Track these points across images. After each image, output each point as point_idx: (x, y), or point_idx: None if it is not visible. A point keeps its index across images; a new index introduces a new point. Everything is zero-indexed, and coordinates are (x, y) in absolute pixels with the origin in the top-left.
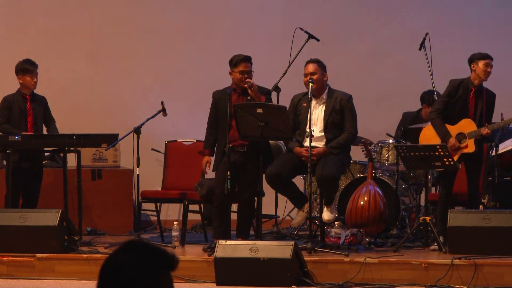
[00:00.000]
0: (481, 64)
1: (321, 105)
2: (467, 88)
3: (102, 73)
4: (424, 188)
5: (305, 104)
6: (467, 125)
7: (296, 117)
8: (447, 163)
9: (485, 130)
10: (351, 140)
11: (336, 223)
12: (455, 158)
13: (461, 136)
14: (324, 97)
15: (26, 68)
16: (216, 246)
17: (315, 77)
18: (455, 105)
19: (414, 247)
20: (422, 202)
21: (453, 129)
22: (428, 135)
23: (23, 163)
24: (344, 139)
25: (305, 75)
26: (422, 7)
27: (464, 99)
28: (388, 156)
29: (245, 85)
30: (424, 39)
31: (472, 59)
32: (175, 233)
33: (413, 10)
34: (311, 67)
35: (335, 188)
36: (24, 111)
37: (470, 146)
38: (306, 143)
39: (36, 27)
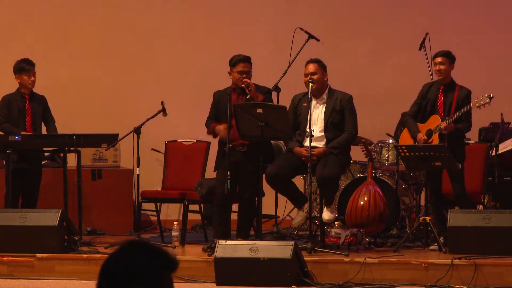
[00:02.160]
0: (433, 64)
1: (322, 105)
2: (436, 88)
3: (102, 73)
4: (424, 188)
5: (305, 104)
6: (434, 121)
7: (296, 117)
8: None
9: (443, 124)
10: (351, 140)
11: (336, 223)
12: None
13: (429, 132)
14: (325, 97)
15: (23, 68)
16: (216, 246)
17: (315, 77)
18: (426, 105)
19: (414, 247)
20: (422, 202)
21: (423, 127)
22: (406, 136)
23: (22, 163)
24: (344, 139)
25: (305, 75)
26: (422, 7)
27: (434, 97)
28: (388, 156)
29: (243, 85)
30: (424, 39)
31: (432, 59)
32: (175, 233)
33: (413, 10)
34: (311, 67)
35: (335, 188)
36: (22, 111)
37: (434, 141)
38: (306, 143)
39: (36, 27)
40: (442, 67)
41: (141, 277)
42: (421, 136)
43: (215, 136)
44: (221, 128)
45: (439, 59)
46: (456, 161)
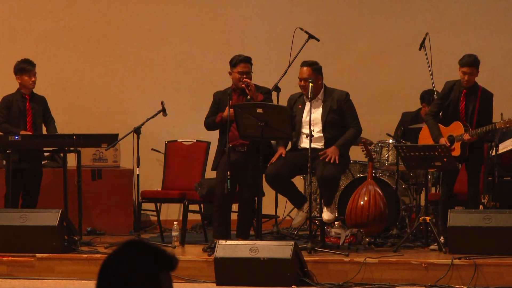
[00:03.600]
0: (460, 70)
1: (318, 106)
2: (458, 90)
3: (102, 73)
4: (424, 188)
5: (300, 106)
6: (456, 128)
7: (292, 118)
8: (445, 159)
9: (467, 136)
10: (358, 135)
11: (336, 223)
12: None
13: (450, 138)
14: (321, 98)
15: (24, 68)
16: (216, 246)
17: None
18: (448, 106)
19: (414, 247)
20: (422, 202)
21: (445, 131)
22: (425, 135)
23: (22, 163)
24: (352, 136)
25: (300, 79)
26: (422, 7)
27: (456, 100)
28: (388, 156)
29: (242, 85)
30: (424, 39)
31: (459, 63)
32: (175, 233)
33: (413, 10)
34: (305, 72)
35: (335, 188)
36: (23, 111)
37: (456, 150)
38: (303, 144)
39: (36, 27)
40: (470, 77)
41: (140, 277)
42: (444, 141)
43: (222, 122)
44: (226, 110)
45: (467, 69)
46: (477, 163)
